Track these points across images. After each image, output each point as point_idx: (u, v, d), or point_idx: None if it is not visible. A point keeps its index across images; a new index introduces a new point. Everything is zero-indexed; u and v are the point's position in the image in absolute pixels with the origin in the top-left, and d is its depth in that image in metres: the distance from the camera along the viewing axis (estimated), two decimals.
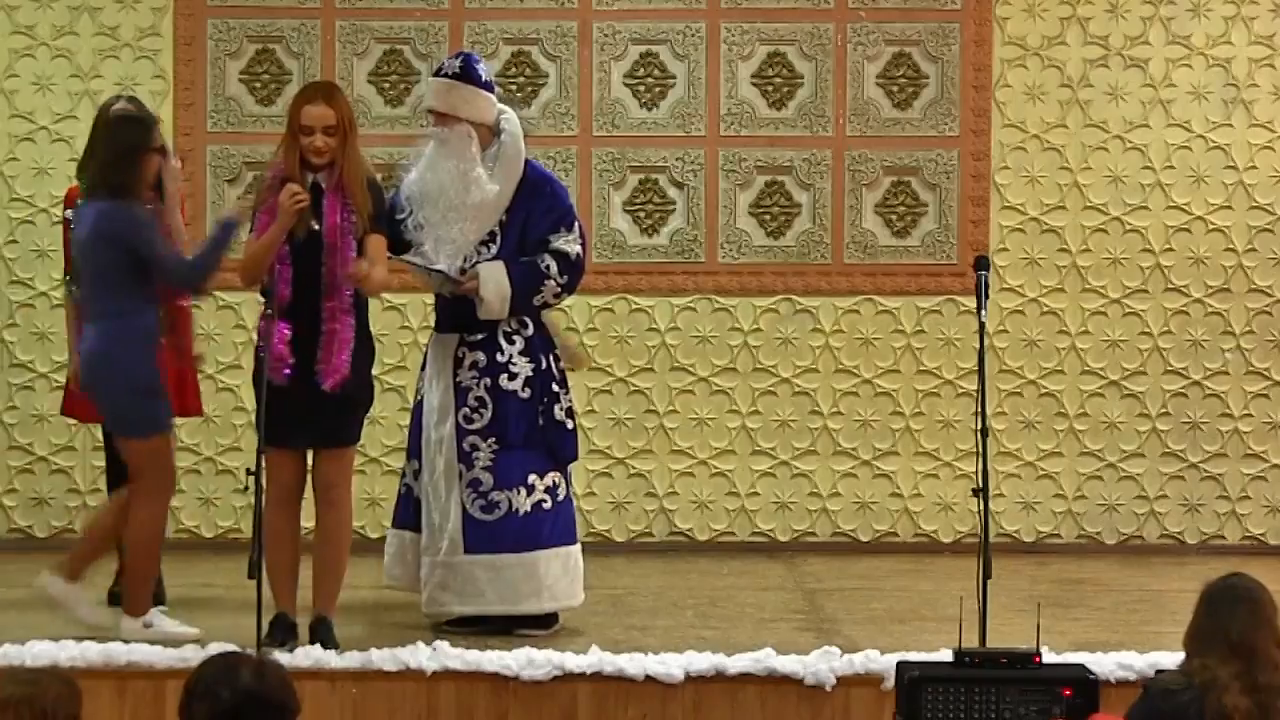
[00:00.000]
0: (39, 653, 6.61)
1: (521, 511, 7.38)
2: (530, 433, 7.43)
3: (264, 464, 6.98)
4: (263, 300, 7.19)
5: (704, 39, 9.79)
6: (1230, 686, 4.77)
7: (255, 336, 7.41)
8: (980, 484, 6.73)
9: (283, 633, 7.01)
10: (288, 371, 6.92)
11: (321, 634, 7.02)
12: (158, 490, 7.22)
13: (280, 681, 4.24)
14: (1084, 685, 5.94)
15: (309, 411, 6.95)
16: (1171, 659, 5.43)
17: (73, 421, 9.22)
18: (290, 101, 7.40)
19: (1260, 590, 4.92)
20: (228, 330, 9.53)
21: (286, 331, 6.94)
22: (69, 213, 7.91)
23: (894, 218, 9.83)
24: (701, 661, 6.72)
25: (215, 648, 6.50)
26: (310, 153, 7.04)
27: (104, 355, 7.15)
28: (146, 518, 7.21)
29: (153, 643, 6.90)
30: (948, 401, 9.82)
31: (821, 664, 6.69)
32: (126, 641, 6.91)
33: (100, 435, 9.27)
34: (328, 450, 7.08)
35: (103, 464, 9.39)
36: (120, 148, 7.21)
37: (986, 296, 7.05)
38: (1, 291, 9.67)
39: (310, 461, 7.21)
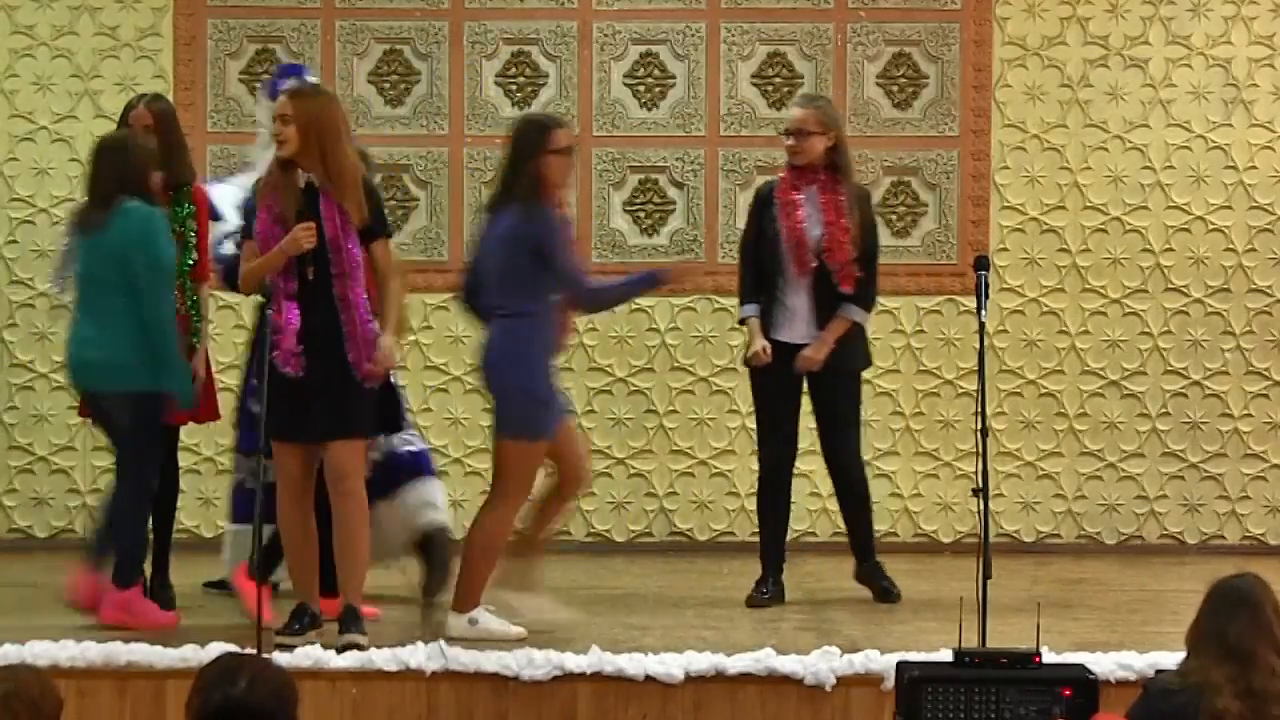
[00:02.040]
0: (39, 653, 6.61)
1: None
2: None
3: (270, 459, 7.04)
4: (264, 299, 7.20)
5: (704, 39, 9.79)
6: (1223, 689, 4.77)
7: (260, 333, 7.41)
8: (980, 484, 6.73)
9: (302, 622, 7.03)
10: (295, 364, 6.96)
11: (350, 624, 7.03)
12: (514, 495, 7.29)
13: (272, 692, 4.25)
14: (1084, 685, 5.94)
15: (316, 404, 6.97)
16: (1171, 659, 5.44)
17: (74, 421, 9.25)
18: None
19: (1264, 594, 4.91)
20: (228, 330, 9.53)
21: (295, 322, 6.98)
22: None
23: (894, 218, 9.83)
24: (701, 661, 6.71)
25: (215, 648, 6.52)
26: (275, 141, 7.13)
27: (501, 353, 7.23)
28: (495, 520, 7.29)
29: (477, 640, 7.00)
30: (948, 401, 9.82)
31: (821, 664, 6.69)
32: (451, 640, 6.90)
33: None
34: (338, 441, 7.09)
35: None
36: (520, 151, 7.28)
37: (986, 296, 7.06)
38: (1, 291, 9.68)
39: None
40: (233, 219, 7.84)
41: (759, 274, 8.13)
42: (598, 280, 7.64)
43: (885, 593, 8.14)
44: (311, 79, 8.17)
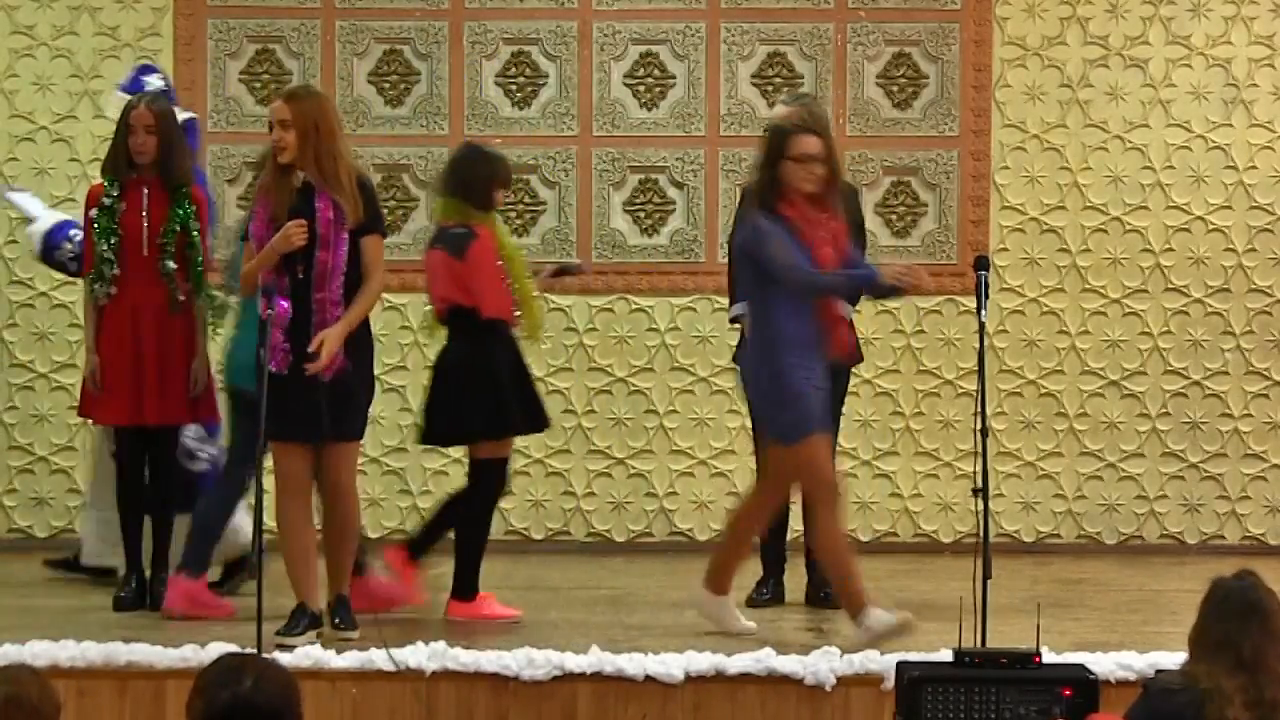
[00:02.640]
0: (39, 652, 6.61)
1: None
2: None
3: (271, 457, 7.07)
4: (265, 298, 7.20)
5: (704, 39, 9.79)
6: (1234, 700, 4.75)
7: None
8: (980, 484, 6.73)
9: (302, 623, 7.05)
10: (280, 360, 7.00)
11: (340, 612, 7.16)
12: (824, 494, 7.30)
13: (278, 690, 4.24)
14: (1084, 685, 5.95)
15: (312, 404, 7.00)
16: (1171, 659, 5.44)
17: (74, 421, 9.25)
18: None
19: (1272, 600, 4.90)
20: (226, 330, 9.51)
21: (286, 311, 7.02)
22: (93, 212, 7.88)
23: (894, 218, 9.83)
24: (701, 661, 6.72)
25: (216, 647, 6.52)
26: (274, 147, 7.16)
27: (750, 366, 7.38)
28: (827, 528, 7.33)
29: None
30: (948, 401, 9.82)
31: (821, 664, 6.69)
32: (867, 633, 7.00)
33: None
34: (332, 444, 7.14)
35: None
36: (763, 156, 7.40)
37: (986, 296, 7.06)
38: (1, 291, 9.68)
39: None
40: (46, 216, 8.49)
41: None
42: (819, 271, 7.49)
43: (827, 598, 8.08)
44: (161, 77, 8.50)
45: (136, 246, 7.80)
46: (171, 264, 7.78)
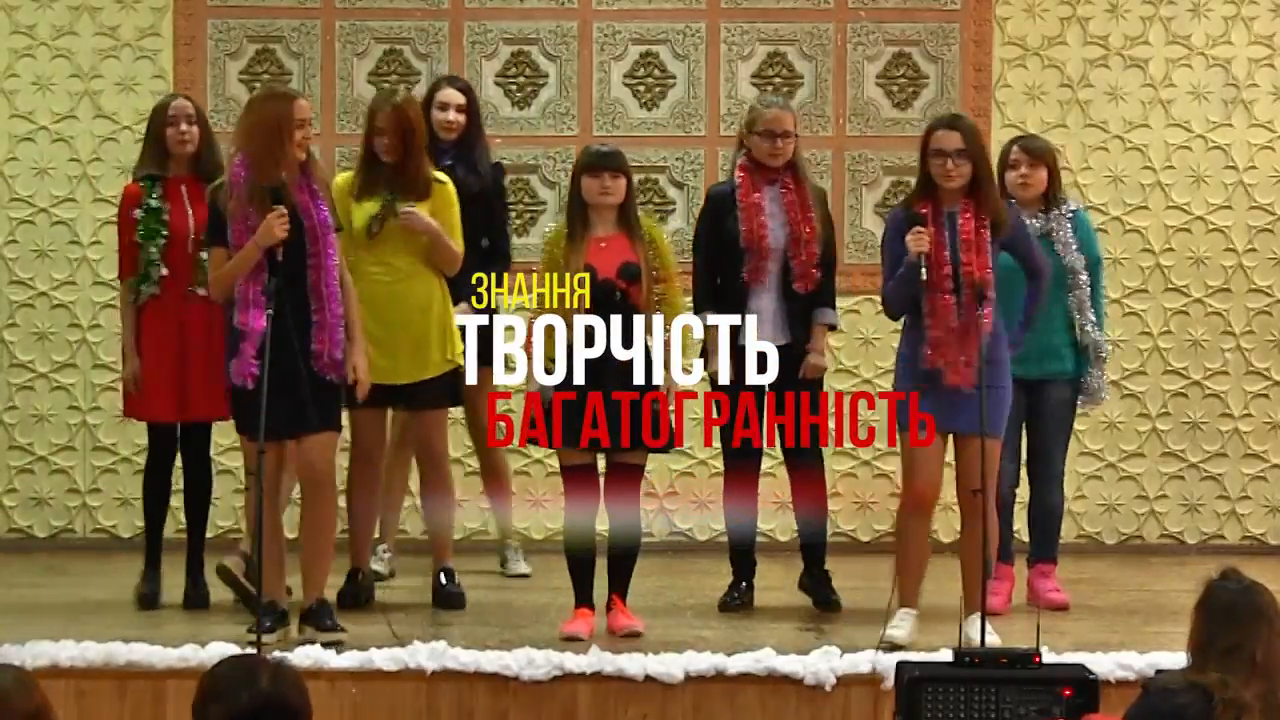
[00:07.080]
0: (39, 652, 6.61)
1: None
2: None
3: (245, 454, 7.06)
4: (265, 298, 7.16)
5: (704, 39, 9.79)
6: (1252, 707, 4.74)
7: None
8: (980, 484, 6.74)
9: (271, 619, 6.99)
10: (250, 376, 6.97)
11: (319, 619, 7.05)
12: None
13: (295, 686, 4.25)
14: (1084, 685, 5.96)
15: (290, 400, 6.97)
16: (1171, 659, 5.44)
17: (73, 421, 9.25)
18: (260, 108, 7.34)
19: (1274, 604, 4.90)
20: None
21: (260, 329, 6.97)
22: (137, 213, 7.79)
23: None
24: (701, 661, 6.72)
25: (215, 648, 6.52)
26: (299, 148, 7.14)
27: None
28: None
29: None
30: None
31: (821, 664, 6.69)
32: None
33: (101, 436, 9.29)
34: (312, 436, 7.10)
35: (103, 464, 9.42)
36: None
37: (984, 301, 7.05)
38: (1, 291, 9.68)
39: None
40: None
41: (714, 276, 8.00)
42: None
43: (827, 602, 8.02)
44: None
45: (182, 244, 7.77)
46: (204, 254, 7.76)
